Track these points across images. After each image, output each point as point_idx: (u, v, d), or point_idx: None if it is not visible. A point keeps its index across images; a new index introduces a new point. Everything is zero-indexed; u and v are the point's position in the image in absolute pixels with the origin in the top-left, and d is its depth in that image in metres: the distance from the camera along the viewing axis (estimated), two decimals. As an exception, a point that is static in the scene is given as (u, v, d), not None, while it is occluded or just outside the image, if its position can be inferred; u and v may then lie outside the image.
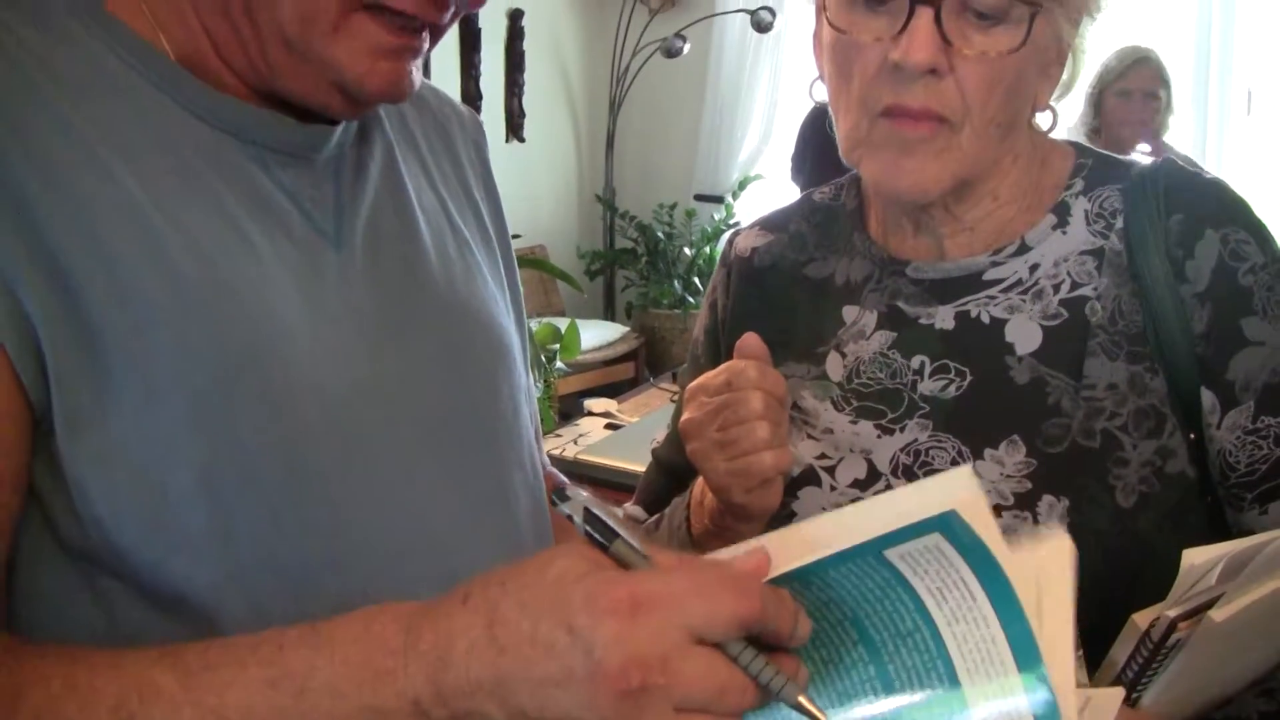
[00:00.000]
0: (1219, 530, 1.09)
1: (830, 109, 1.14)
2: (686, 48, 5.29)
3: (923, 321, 1.15)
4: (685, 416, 1.10)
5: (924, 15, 1.01)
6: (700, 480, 1.19)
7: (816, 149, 5.93)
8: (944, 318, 1.14)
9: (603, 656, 0.67)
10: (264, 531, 0.83)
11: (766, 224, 1.31)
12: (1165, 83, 3.96)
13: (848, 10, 1.06)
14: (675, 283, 5.29)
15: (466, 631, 0.70)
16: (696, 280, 5.32)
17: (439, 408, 0.96)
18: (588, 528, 0.73)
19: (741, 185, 5.59)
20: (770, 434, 1.06)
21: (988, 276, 1.14)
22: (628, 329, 5.34)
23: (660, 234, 5.39)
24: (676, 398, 1.37)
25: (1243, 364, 1.06)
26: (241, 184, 0.87)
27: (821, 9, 1.10)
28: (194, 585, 0.81)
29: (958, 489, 0.74)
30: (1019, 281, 1.13)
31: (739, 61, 5.60)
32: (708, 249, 5.39)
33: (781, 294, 1.25)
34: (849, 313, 1.20)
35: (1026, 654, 0.72)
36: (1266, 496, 1.06)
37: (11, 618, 0.80)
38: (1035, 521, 1.04)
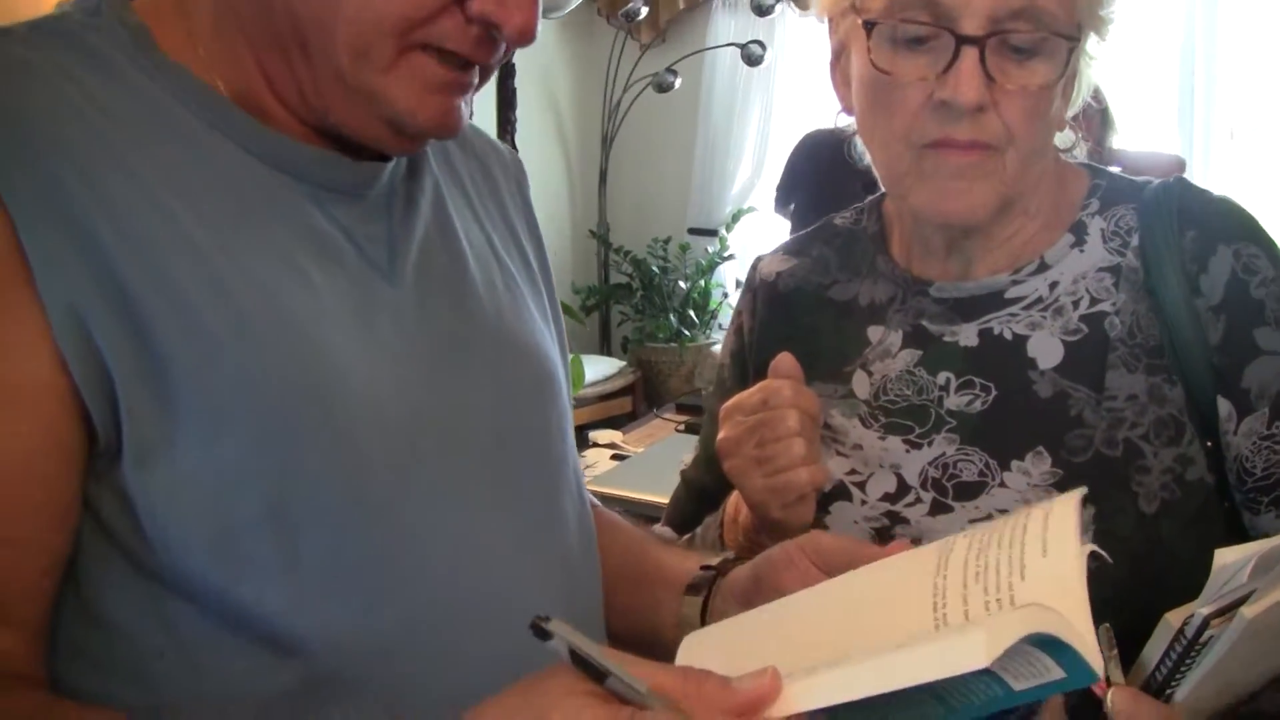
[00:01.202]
0: (1237, 534, 1.13)
1: (863, 141, 1.18)
2: (678, 82, 5.33)
3: (947, 339, 1.19)
4: (722, 435, 1.14)
5: (969, 56, 1.05)
6: (734, 498, 1.22)
7: (808, 179, 6.01)
8: (968, 335, 1.18)
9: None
10: (328, 559, 0.85)
11: (789, 249, 1.35)
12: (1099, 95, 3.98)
13: (890, 51, 1.10)
14: (671, 316, 5.31)
15: None
16: (692, 313, 5.34)
17: (491, 436, 0.99)
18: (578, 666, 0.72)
19: (735, 218, 5.61)
20: (807, 450, 1.09)
21: (1009, 295, 1.18)
22: (624, 363, 5.35)
23: (655, 268, 5.42)
24: (704, 421, 1.41)
25: (1257, 373, 1.10)
26: (297, 221, 0.89)
27: (864, 50, 1.13)
28: (262, 609, 0.83)
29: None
30: (1039, 299, 1.17)
31: (730, 95, 5.64)
32: (702, 282, 5.41)
33: (807, 316, 1.29)
34: (874, 333, 1.24)
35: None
36: None
37: (82, 647, 0.82)
38: None
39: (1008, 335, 1.17)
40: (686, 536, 1.33)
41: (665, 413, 3.75)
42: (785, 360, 1.13)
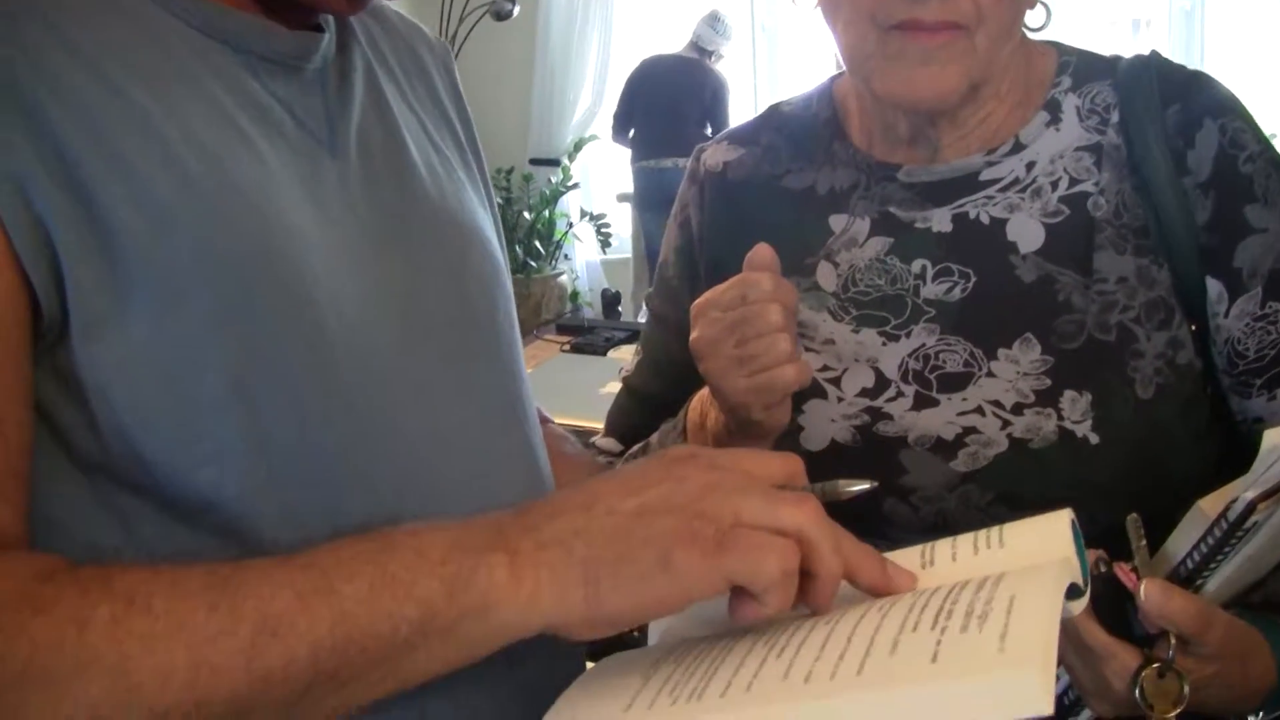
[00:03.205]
0: (1222, 420, 1.09)
1: (827, 21, 1.10)
2: (516, 9, 5.19)
3: (919, 225, 1.12)
4: (696, 335, 1.05)
5: None
6: (698, 402, 1.13)
7: (646, 105, 5.97)
8: (940, 220, 1.11)
9: (672, 452, 0.74)
10: (293, 437, 0.80)
11: (734, 138, 1.26)
12: None
13: None
14: (516, 248, 5.20)
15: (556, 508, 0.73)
16: (537, 244, 5.25)
17: (445, 317, 0.93)
18: None
19: (577, 147, 5.55)
20: (792, 346, 1.01)
21: (984, 176, 1.11)
22: (470, 296, 5.25)
23: (498, 200, 5.30)
24: (648, 325, 1.31)
25: (1248, 251, 1.05)
26: (238, 89, 0.86)
27: None
28: (223, 495, 0.78)
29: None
30: (1016, 180, 1.10)
31: (568, 22, 5.55)
32: (546, 213, 5.33)
33: (760, 207, 1.20)
34: (836, 221, 1.16)
35: None
36: (1276, 381, 1.06)
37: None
38: (1059, 418, 1.02)
39: (984, 219, 1.10)
40: (638, 447, 1.24)
41: (546, 334, 3.65)
42: (763, 251, 1.04)
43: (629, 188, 6.03)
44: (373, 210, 0.91)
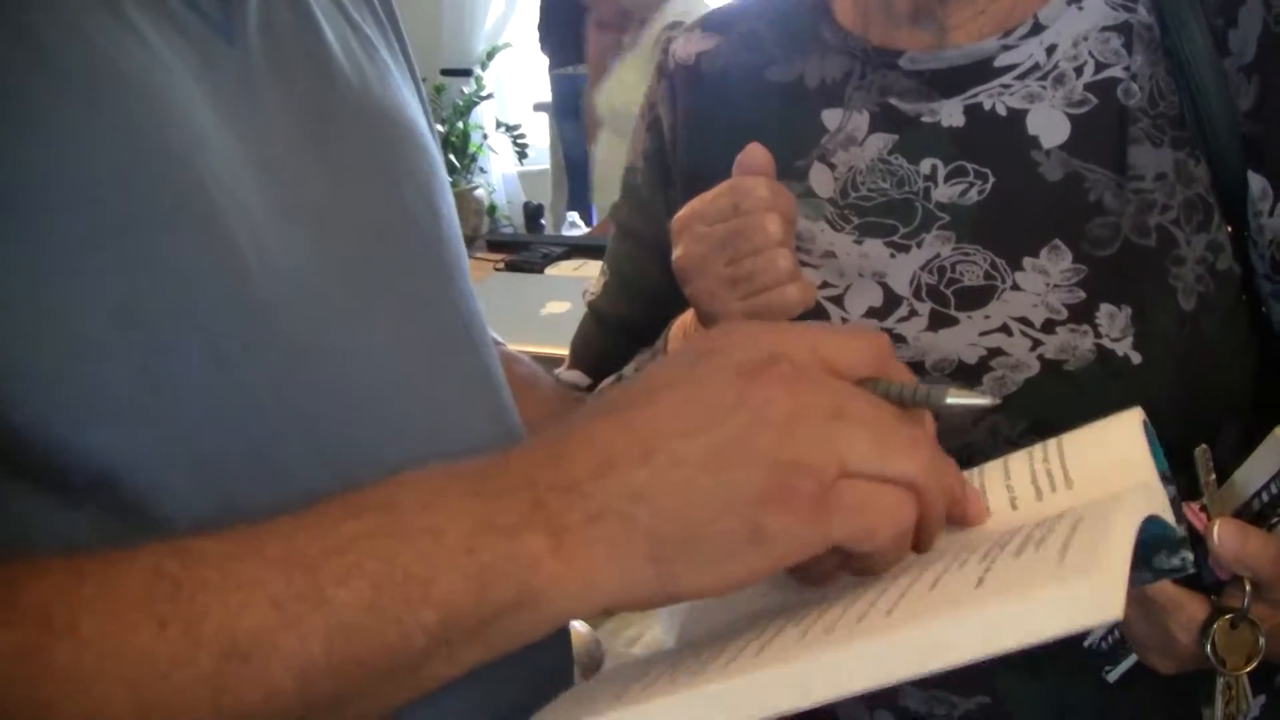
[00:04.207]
0: (1258, 330, 0.99)
1: None
2: (421, -91, 4.94)
3: (926, 120, 0.99)
4: (680, 252, 0.92)
5: None
6: (679, 330, 1.01)
7: (560, 6, 5.77)
8: (951, 113, 0.99)
9: (732, 343, 0.59)
10: (205, 378, 0.64)
11: (709, 24, 1.12)
12: None
13: None
14: (431, 162, 5.01)
15: (586, 435, 0.57)
16: (452, 158, 5.04)
17: (380, 229, 0.79)
18: None
19: (490, 55, 5.32)
20: (793, 263, 0.89)
21: (999, 62, 0.98)
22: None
23: (409, 111, 5.09)
24: (614, 239, 1.17)
25: None
26: None
27: None
28: (118, 462, 0.61)
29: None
30: (1036, 66, 0.98)
31: (477, -77, 5.30)
32: (460, 124, 5.12)
33: (741, 103, 1.07)
34: (830, 117, 1.03)
35: None
36: None
37: None
38: (1096, 335, 0.91)
39: (1001, 110, 0.98)
40: (611, 380, 1.10)
41: (477, 251, 3.48)
42: (755, 152, 0.91)
43: (546, 96, 5.86)
44: (282, 104, 0.75)
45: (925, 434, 0.61)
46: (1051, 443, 0.73)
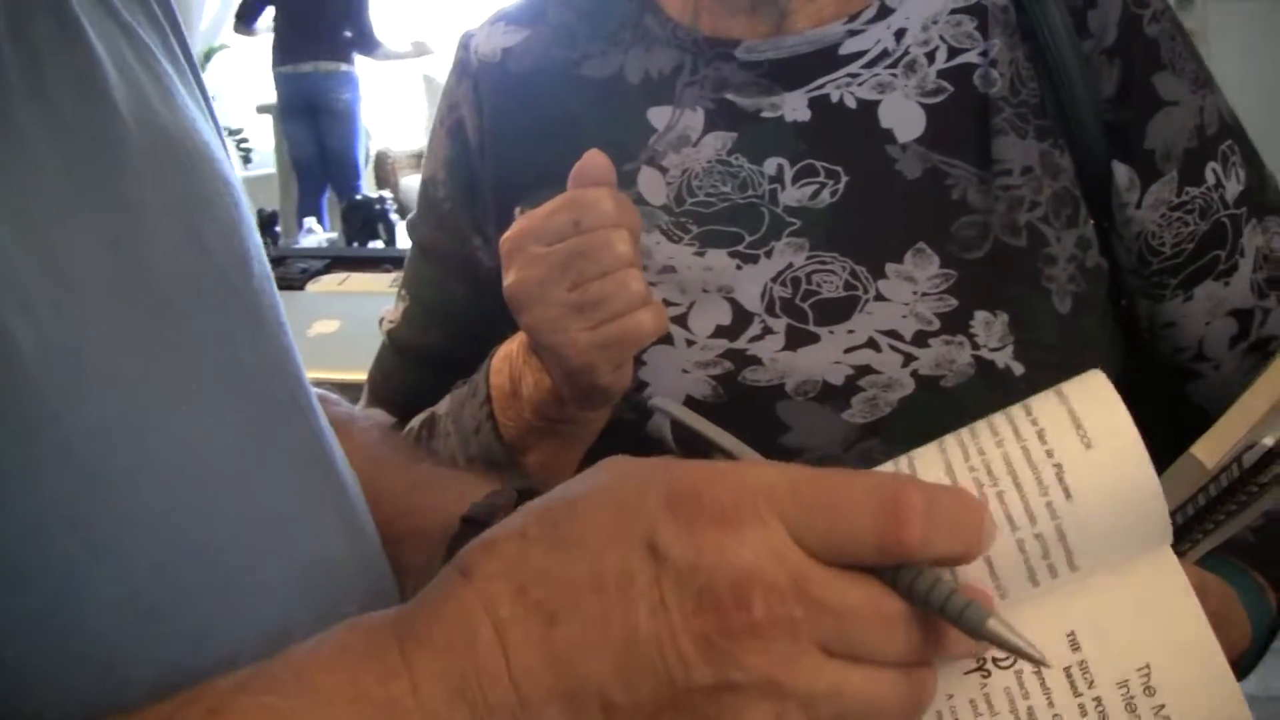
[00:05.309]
0: (1127, 328, 0.94)
1: None
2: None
3: (767, 115, 0.90)
4: (514, 278, 0.79)
5: None
6: (502, 364, 0.88)
7: (282, 1, 5.55)
8: (795, 107, 0.90)
9: (708, 579, 0.44)
10: None
11: (513, 17, 0.99)
12: None
13: None
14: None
15: (488, 610, 0.46)
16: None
17: (183, 284, 0.64)
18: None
19: (207, 57, 5.07)
20: (645, 285, 0.78)
21: (846, 50, 0.90)
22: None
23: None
24: (412, 260, 1.03)
25: (1161, 129, 0.89)
26: None
27: None
28: None
29: None
30: (885, 53, 0.90)
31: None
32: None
33: (555, 103, 0.95)
34: (658, 115, 0.92)
35: None
36: (1192, 279, 0.91)
37: None
38: (974, 346, 0.83)
39: (850, 102, 0.89)
40: (420, 420, 0.97)
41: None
42: (595, 159, 0.79)
43: (269, 98, 5.64)
44: (49, 135, 0.59)
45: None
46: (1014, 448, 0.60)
